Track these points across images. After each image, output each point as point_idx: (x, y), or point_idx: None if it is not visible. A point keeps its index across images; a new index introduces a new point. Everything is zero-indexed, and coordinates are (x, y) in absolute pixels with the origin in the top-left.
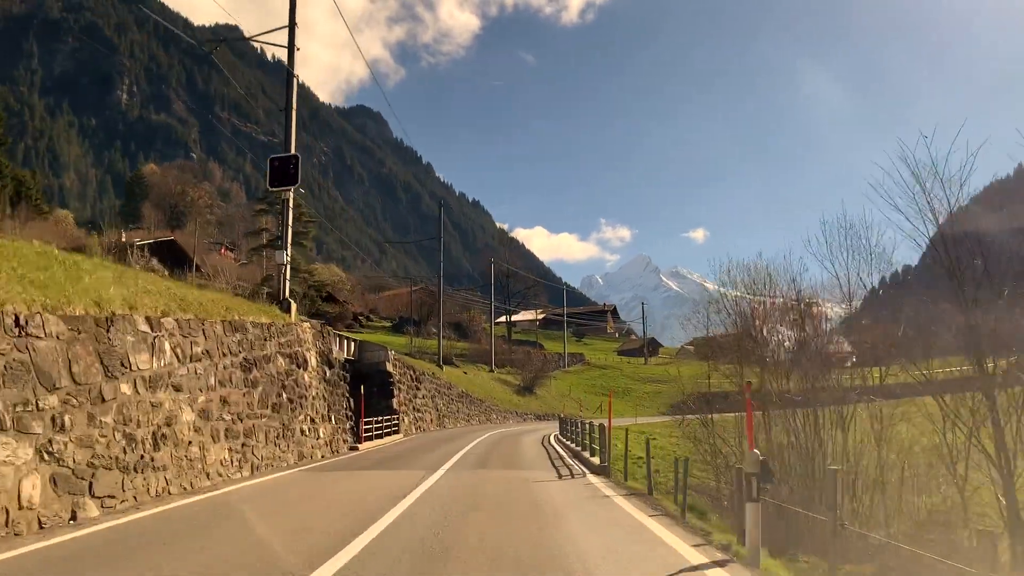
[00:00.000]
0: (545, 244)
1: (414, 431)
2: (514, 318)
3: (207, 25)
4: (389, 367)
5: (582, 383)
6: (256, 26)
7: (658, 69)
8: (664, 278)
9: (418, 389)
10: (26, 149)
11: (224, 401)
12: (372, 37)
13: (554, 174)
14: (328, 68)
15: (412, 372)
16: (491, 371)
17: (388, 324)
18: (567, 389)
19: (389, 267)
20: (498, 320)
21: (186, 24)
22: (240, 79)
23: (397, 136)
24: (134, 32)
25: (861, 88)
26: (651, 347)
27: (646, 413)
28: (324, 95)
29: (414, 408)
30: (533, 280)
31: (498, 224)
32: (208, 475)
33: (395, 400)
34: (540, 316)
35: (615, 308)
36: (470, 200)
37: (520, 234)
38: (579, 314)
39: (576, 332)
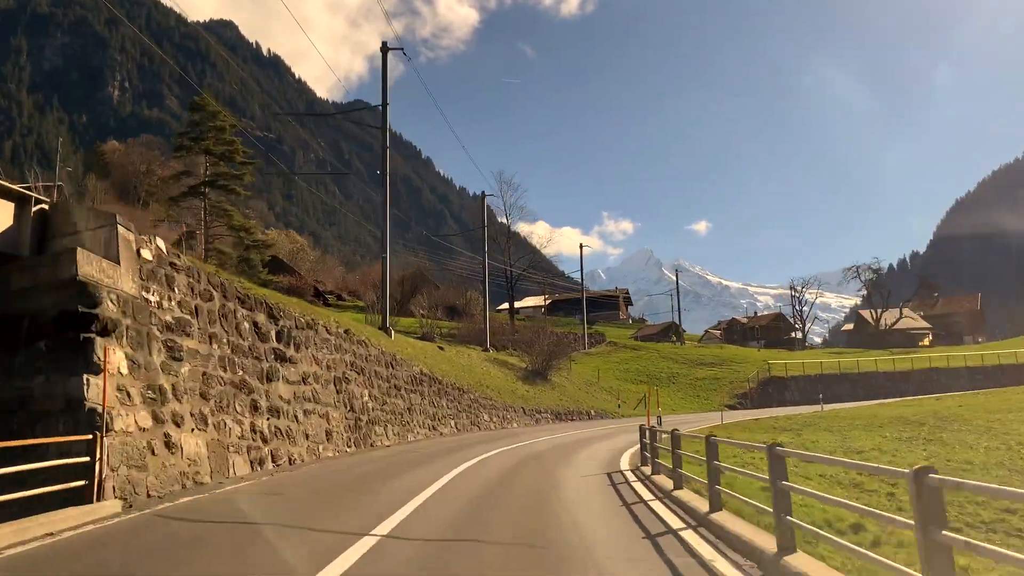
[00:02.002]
0: (547, 239)
1: (231, 473)
2: (517, 304)
3: (201, 20)
4: (92, 270)
5: (611, 367)
6: (251, 23)
7: (659, 61)
8: (666, 271)
9: (282, 359)
10: (14, 146)
11: None
12: (370, 32)
13: (556, 168)
14: (325, 64)
15: (263, 310)
16: (486, 351)
17: (362, 304)
18: (593, 375)
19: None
20: (501, 308)
21: (178, 19)
22: (234, 74)
23: (397, 131)
24: (125, 26)
25: (870, 84)
26: (673, 331)
27: (708, 405)
28: (322, 91)
29: (254, 408)
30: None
31: (500, 219)
32: None
33: (94, 383)
34: (547, 301)
35: (628, 292)
36: (471, 194)
37: (522, 229)
38: (592, 298)
39: (582, 320)
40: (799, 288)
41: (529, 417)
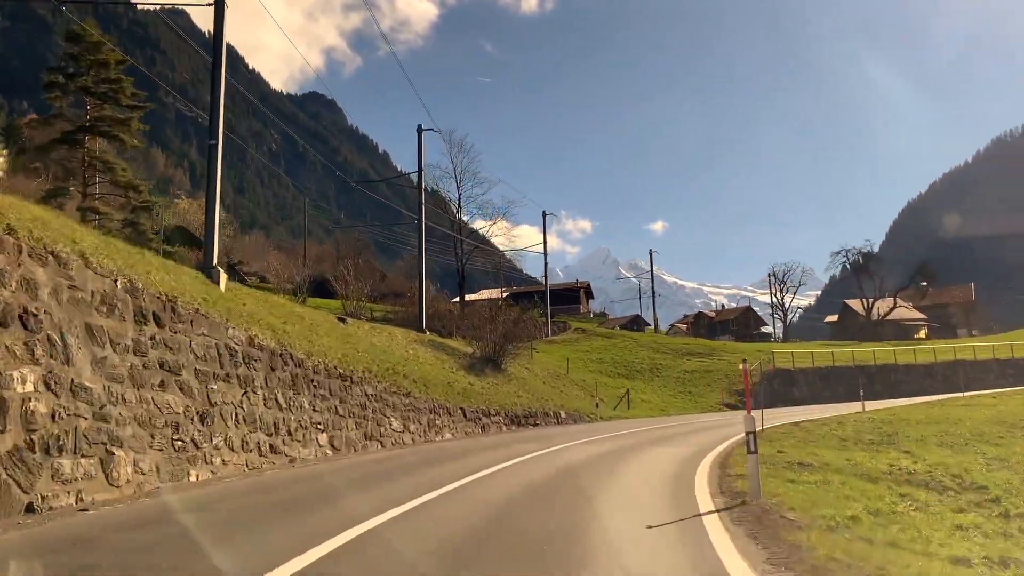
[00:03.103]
0: (505, 237)
1: None
2: (472, 297)
3: (150, 9)
4: None
5: (581, 357)
6: (203, 12)
7: (618, 62)
8: (623, 270)
9: None
10: None
11: None
12: (327, 25)
13: (514, 165)
14: (281, 57)
15: None
16: (421, 331)
17: (289, 285)
18: (561, 366)
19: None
20: (454, 301)
21: (127, 5)
22: (186, 64)
23: (352, 124)
24: (70, 12)
25: (830, 96)
26: (638, 324)
27: (704, 403)
28: (277, 83)
29: None
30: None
31: (456, 214)
32: None
33: None
34: (504, 294)
35: (588, 285)
36: (429, 190)
37: (480, 225)
38: (553, 290)
39: (543, 313)
40: (780, 276)
41: (472, 423)
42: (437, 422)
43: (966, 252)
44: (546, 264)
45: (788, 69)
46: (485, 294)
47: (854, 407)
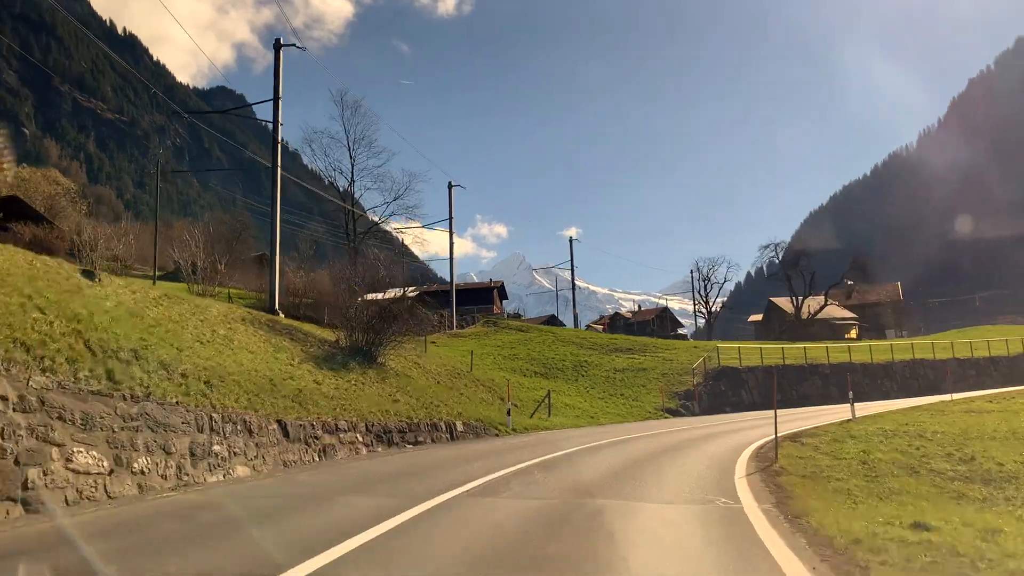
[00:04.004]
0: (419, 240)
1: None
2: (378, 296)
3: None
4: None
5: (490, 352)
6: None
7: (533, 67)
8: (537, 276)
9: None
10: None
11: None
12: (238, 19)
13: (427, 168)
14: (188, 51)
15: None
16: (272, 312)
17: (161, 272)
18: (462, 361)
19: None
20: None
21: None
22: (85, 52)
23: (262, 121)
24: None
25: (744, 99)
26: (554, 324)
27: (640, 408)
28: (184, 77)
29: None
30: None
31: (371, 216)
32: None
33: None
34: (412, 292)
35: (503, 285)
36: (340, 190)
37: (393, 228)
38: (464, 289)
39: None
40: (704, 271)
41: (301, 445)
42: (215, 448)
43: (876, 255)
44: (451, 243)
45: (701, 79)
46: (390, 295)
47: (830, 412)
